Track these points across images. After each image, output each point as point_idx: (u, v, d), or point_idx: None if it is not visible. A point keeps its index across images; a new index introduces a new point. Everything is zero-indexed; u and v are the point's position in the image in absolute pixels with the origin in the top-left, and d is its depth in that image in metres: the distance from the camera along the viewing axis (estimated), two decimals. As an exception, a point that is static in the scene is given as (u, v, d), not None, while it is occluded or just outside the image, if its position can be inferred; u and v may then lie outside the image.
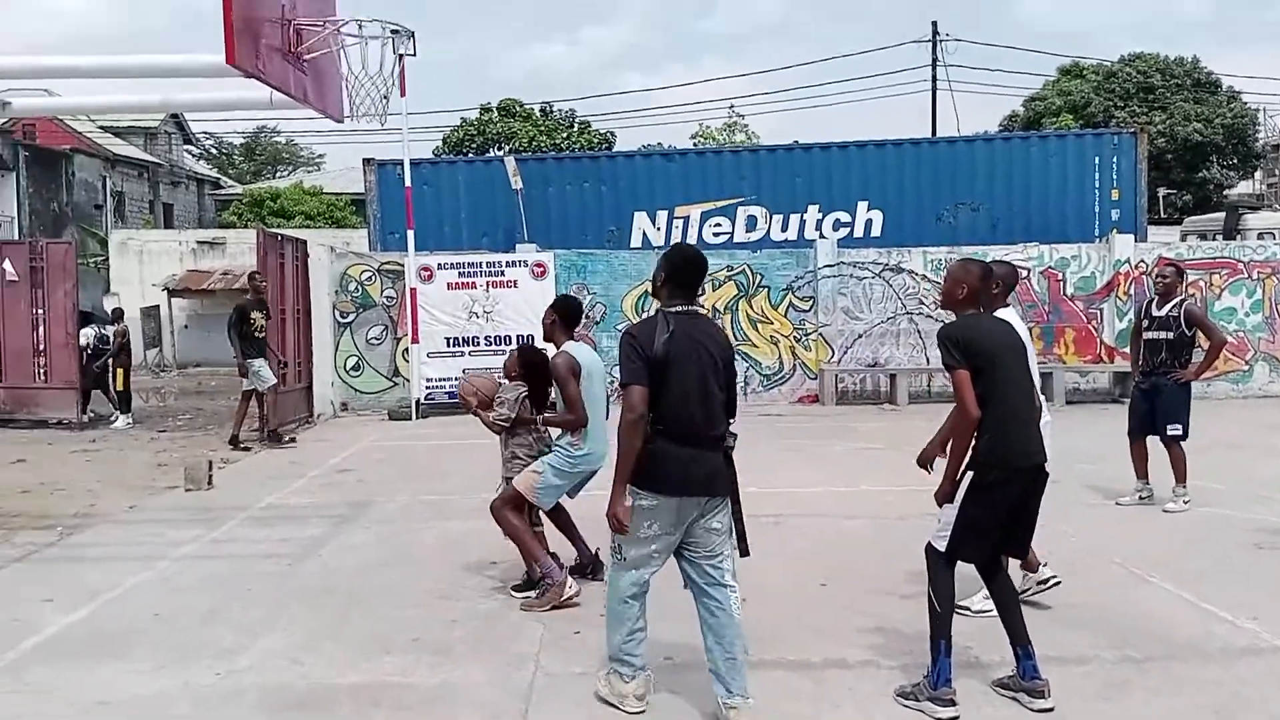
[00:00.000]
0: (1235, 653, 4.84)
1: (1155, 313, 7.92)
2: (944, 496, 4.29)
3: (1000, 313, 6.81)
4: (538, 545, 5.71)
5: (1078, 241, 16.04)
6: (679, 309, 4.08)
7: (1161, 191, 31.37)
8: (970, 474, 4.22)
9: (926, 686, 4.18)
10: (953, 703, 4.13)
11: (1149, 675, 4.58)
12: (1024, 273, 15.20)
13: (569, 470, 5.61)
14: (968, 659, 4.59)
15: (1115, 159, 17.02)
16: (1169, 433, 7.74)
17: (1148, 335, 7.95)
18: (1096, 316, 15.47)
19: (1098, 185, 17.05)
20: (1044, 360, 14.77)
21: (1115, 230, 16.07)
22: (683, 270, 4.12)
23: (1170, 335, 7.77)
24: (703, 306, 4.05)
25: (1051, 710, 4.14)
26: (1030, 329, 6.91)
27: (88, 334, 15.68)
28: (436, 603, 5.71)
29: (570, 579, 5.59)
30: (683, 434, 3.99)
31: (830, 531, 7.32)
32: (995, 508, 4.22)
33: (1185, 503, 7.70)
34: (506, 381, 5.97)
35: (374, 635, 5.20)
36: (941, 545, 4.28)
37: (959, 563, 4.34)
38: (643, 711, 4.18)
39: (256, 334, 12.27)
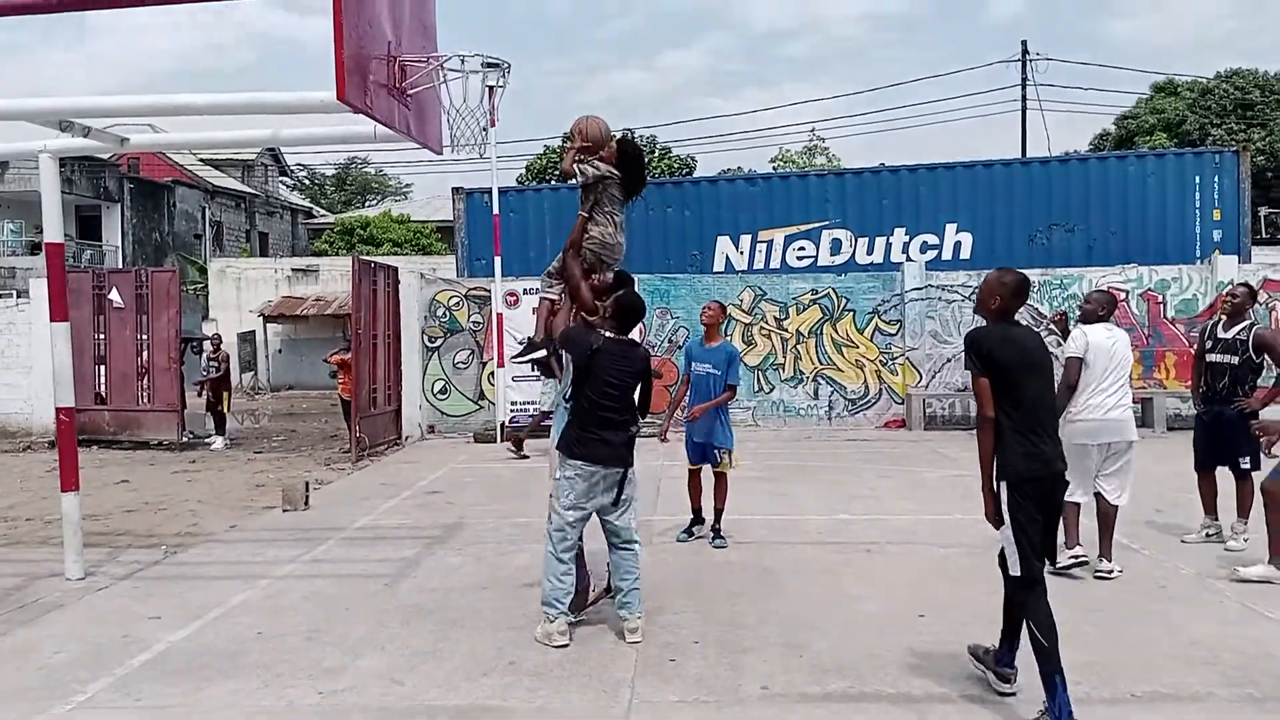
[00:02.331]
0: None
1: (1221, 334, 7.36)
2: (993, 514, 4.40)
3: (1105, 331, 6.64)
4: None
5: (1178, 263, 15.58)
6: (609, 335, 5.59)
7: (1262, 211, 30.31)
8: (1004, 485, 4.33)
9: (1049, 723, 4.06)
10: (1077, 738, 4.01)
11: (1274, 717, 4.37)
12: (1122, 295, 14.81)
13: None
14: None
15: (1216, 178, 16.50)
16: (1241, 466, 7.19)
17: (1211, 358, 7.39)
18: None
19: (1199, 205, 16.53)
20: (1143, 385, 14.35)
21: (1217, 251, 15.58)
22: (626, 313, 5.75)
23: (1236, 360, 7.23)
24: (636, 341, 5.98)
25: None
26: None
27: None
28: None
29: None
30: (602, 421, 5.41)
31: (926, 560, 7.18)
32: (1034, 511, 4.33)
33: (1246, 540, 7.14)
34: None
35: (471, 657, 5.26)
36: (1018, 569, 4.27)
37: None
38: (566, 645, 5.33)
39: None
